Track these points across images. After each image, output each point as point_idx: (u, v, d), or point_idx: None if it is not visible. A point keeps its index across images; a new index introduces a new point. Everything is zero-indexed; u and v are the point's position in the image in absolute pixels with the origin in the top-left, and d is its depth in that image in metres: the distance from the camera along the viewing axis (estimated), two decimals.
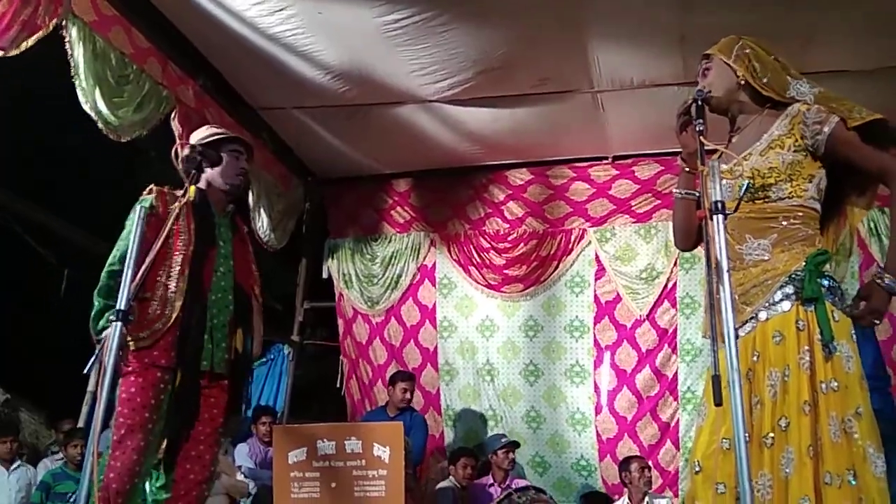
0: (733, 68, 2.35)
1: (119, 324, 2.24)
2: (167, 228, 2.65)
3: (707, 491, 2.08)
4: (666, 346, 5.86)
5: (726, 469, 2.03)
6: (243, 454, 5.63)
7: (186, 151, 3.14)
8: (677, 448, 5.63)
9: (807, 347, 2.04)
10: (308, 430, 4.66)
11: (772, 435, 2.01)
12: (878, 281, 2.08)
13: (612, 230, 6.17)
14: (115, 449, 2.71)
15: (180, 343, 2.82)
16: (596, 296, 6.11)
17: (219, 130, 3.27)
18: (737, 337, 2.08)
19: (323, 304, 6.84)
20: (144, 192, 3.04)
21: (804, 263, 2.12)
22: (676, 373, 5.78)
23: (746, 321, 2.16)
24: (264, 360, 6.84)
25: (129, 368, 2.76)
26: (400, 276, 6.52)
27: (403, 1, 4.28)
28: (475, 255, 6.39)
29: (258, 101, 5.54)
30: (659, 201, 6.08)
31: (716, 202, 1.87)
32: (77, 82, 4.14)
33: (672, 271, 5.95)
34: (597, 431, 5.85)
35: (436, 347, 6.34)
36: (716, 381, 1.69)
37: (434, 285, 6.47)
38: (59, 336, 2.97)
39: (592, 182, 6.29)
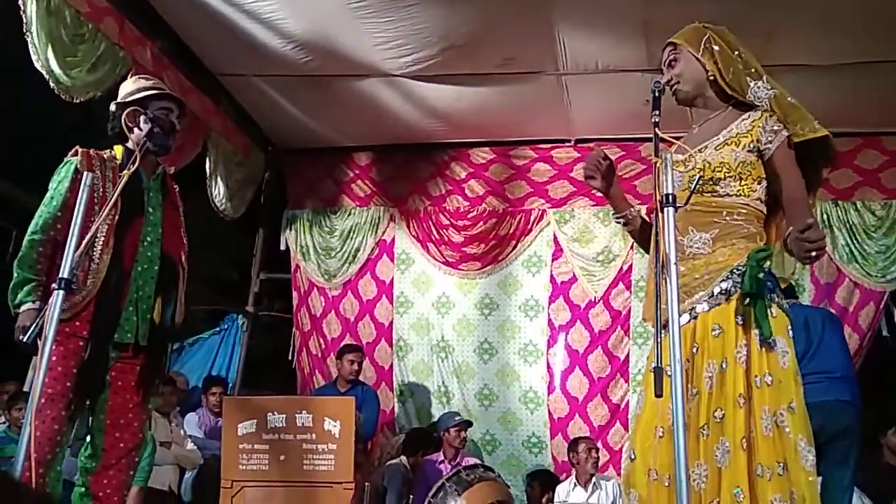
0: (702, 62, 2.36)
1: (62, 292, 2.18)
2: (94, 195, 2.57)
3: (642, 478, 2.13)
4: (619, 328, 5.94)
5: (662, 458, 2.07)
6: (193, 424, 5.58)
7: (112, 108, 3.03)
8: (626, 429, 5.70)
9: (744, 342, 2.08)
10: (259, 403, 4.64)
11: (707, 426, 2.05)
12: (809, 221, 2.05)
13: (572, 212, 6.21)
14: (35, 418, 2.66)
15: (94, 314, 2.75)
16: (552, 276, 6.16)
17: (146, 85, 3.10)
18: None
19: (280, 276, 6.77)
20: (69, 154, 2.93)
21: (746, 259, 2.15)
22: (628, 355, 5.86)
23: (686, 311, 2.18)
24: (217, 329, 6.76)
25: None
26: (358, 249, 6.49)
27: None
28: (434, 231, 6.38)
29: (218, 67, 5.43)
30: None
31: (667, 195, 1.89)
32: (29, 39, 4.01)
33: (628, 254, 6.01)
34: (549, 410, 5.92)
35: (391, 323, 6.34)
36: (658, 372, 1.71)
37: (392, 261, 6.45)
38: (4, 298, 2.87)
39: (554, 164, 6.31)
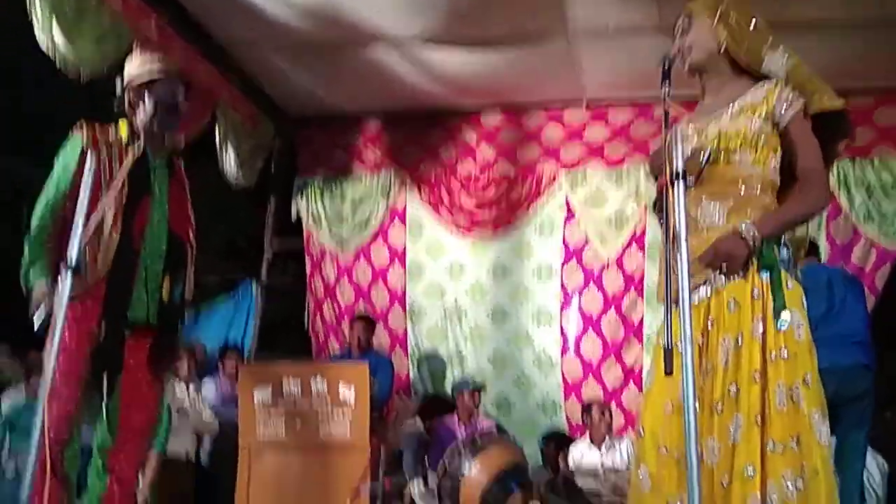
0: (715, 32, 2.30)
1: (70, 276, 2.20)
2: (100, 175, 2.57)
3: (652, 453, 2.13)
4: (632, 290, 5.92)
5: (672, 433, 2.07)
6: (209, 391, 5.66)
7: (117, 85, 3.00)
8: (640, 390, 5.73)
9: (760, 316, 2.06)
10: (274, 369, 4.70)
11: (722, 402, 2.04)
12: (738, 228, 2.08)
13: (584, 174, 6.15)
14: (50, 399, 2.69)
15: (106, 295, 2.77)
16: (564, 239, 6.13)
17: (151, 67, 3.03)
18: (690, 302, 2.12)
19: (292, 244, 6.78)
20: (74, 129, 2.90)
21: None
22: (642, 318, 5.85)
23: (700, 285, 2.16)
24: (232, 295, 6.81)
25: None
26: (370, 216, 6.47)
27: None
28: (446, 197, 6.35)
29: (225, 36, 5.36)
30: (632, 146, 6.06)
31: (677, 170, 1.87)
32: (33, 14, 3.99)
33: (641, 217, 5.96)
34: (562, 373, 5.94)
35: (404, 288, 6.35)
36: (667, 352, 1.70)
37: (404, 227, 6.44)
38: (19, 269, 2.90)
39: (565, 126, 6.24)
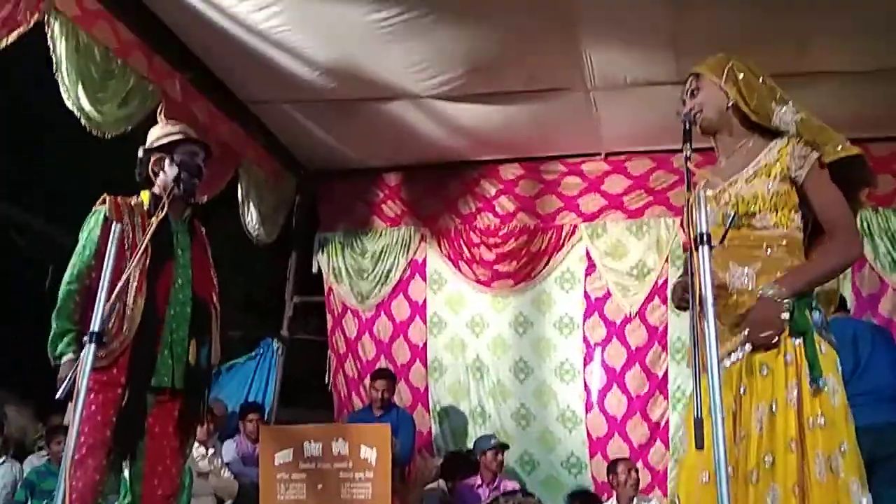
0: (724, 90, 2.30)
1: (93, 345, 2.19)
2: (124, 243, 2.59)
3: None
4: (656, 343, 5.84)
5: (706, 503, 2.00)
6: (230, 451, 5.60)
7: (139, 154, 3.05)
8: (667, 447, 5.61)
9: (794, 381, 2.02)
10: (295, 431, 4.67)
11: (757, 471, 1.98)
12: (770, 294, 2.06)
13: (604, 226, 6.13)
14: (75, 469, 2.64)
15: (131, 361, 2.76)
16: (586, 292, 6.08)
17: (172, 130, 3.13)
18: (721, 368, 2.07)
19: (313, 299, 6.79)
20: (98, 203, 2.96)
21: None
22: (667, 371, 5.75)
23: (733, 351, 2.12)
24: (253, 355, 6.80)
25: (89, 387, 2.69)
26: (390, 270, 6.47)
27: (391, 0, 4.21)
28: (466, 250, 6.34)
29: (247, 95, 5.45)
30: (651, 198, 6.05)
31: (701, 233, 1.83)
32: (59, 78, 4.06)
33: (663, 268, 5.91)
34: (587, 429, 5.83)
35: (425, 343, 6.31)
36: (698, 423, 1.65)
37: (424, 280, 6.42)
38: (45, 330, 2.90)
39: (584, 177, 6.24)
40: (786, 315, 2.04)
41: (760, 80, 2.30)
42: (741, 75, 2.29)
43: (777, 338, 2.05)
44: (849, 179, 2.23)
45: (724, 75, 2.30)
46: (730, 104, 2.30)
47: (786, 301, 2.04)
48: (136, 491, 2.82)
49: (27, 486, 5.14)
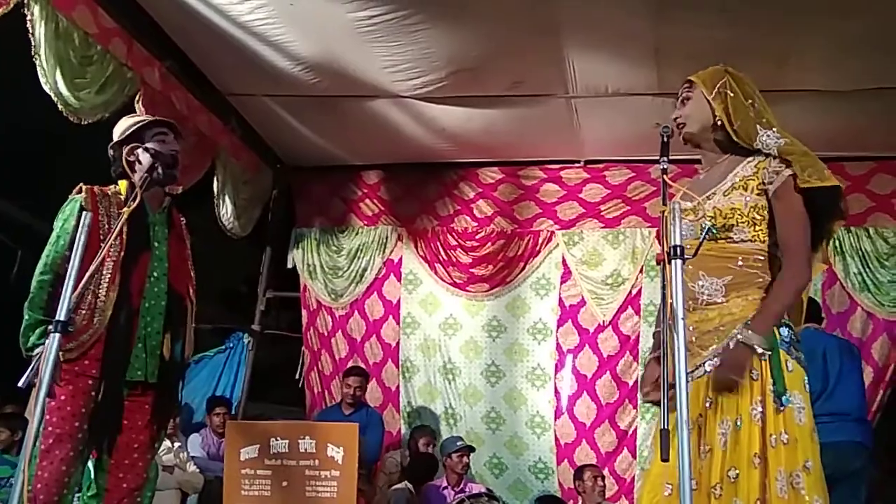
0: (712, 106, 2.32)
1: (58, 335, 2.14)
2: (98, 232, 2.53)
3: None
4: (627, 353, 5.87)
5: None
6: (196, 445, 5.55)
7: (111, 151, 2.99)
8: (634, 456, 5.64)
9: (759, 398, 2.03)
10: (262, 428, 4.61)
11: (720, 485, 1.99)
12: (738, 336, 2.07)
13: (581, 234, 6.16)
14: (42, 459, 2.60)
15: (105, 354, 2.71)
16: (560, 299, 6.10)
17: (137, 119, 3.06)
18: (689, 381, 2.08)
19: (286, 294, 6.75)
20: (74, 192, 2.89)
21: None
22: (637, 381, 5.77)
23: (700, 365, 2.13)
24: (223, 348, 6.73)
25: (59, 377, 2.61)
26: (365, 269, 6.45)
27: None
28: (442, 252, 6.34)
29: (227, 86, 5.41)
30: (628, 207, 6.08)
31: (674, 246, 1.84)
32: (37, 62, 3.99)
33: (637, 278, 5.95)
34: (555, 435, 5.85)
35: (398, 343, 6.30)
36: (664, 435, 1.66)
37: (399, 281, 6.41)
38: (11, 317, 2.84)
39: (563, 185, 6.26)
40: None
41: (749, 103, 2.31)
42: (731, 95, 2.30)
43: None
44: (823, 207, 2.24)
45: (715, 91, 2.31)
46: (716, 122, 2.31)
47: (764, 352, 2.06)
48: (101, 483, 2.76)
49: None
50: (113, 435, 2.74)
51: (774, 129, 2.28)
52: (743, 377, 2.05)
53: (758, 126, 2.28)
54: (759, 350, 2.05)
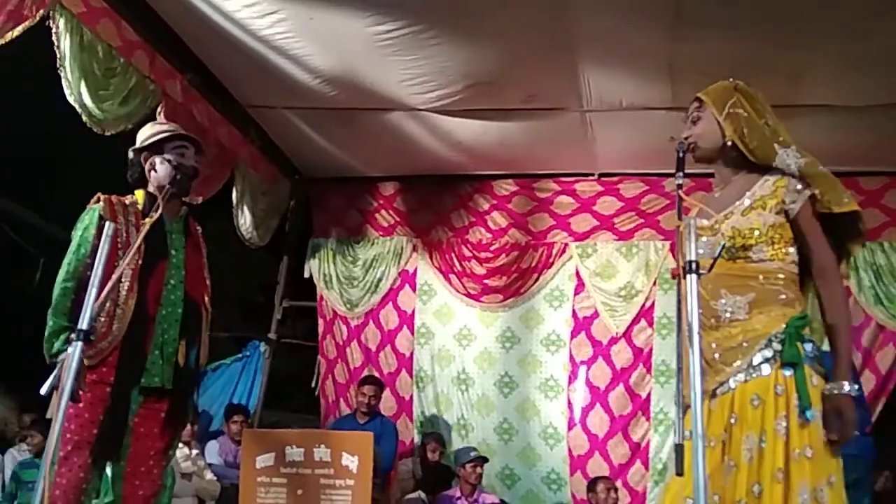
0: (722, 127, 2.31)
1: (80, 343, 2.19)
2: (117, 241, 2.58)
3: None
4: (641, 365, 5.88)
5: None
6: (213, 452, 5.61)
7: (130, 155, 3.05)
8: (647, 468, 5.65)
9: (784, 413, 2.04)
10: (277, 436, 4.67)
11: (745, 501, 2.00)
12: (837, 392, 2.07)
13: (594, 246, 6.18)
14: (61, 465, 2.64)
15: (119, 361, 2.75)
16: (574, 311, 6.12)
17: (162, 129, 3.12)
18: (714, 396, 2.11)
19: (302, 304, 6.81)
20: (92, 202, 2.94)
21: (784, 326, 2.12)
22: (650, 393, 5.80)
23: (724, 382, 2.16)
24: (239, 356, 6.81)
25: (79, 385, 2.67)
26: (380, 279, 6.50)
27: (394, 13, 4.26)
28: (456, 263, 6.38)
29: (247, 98, 5.49)
30: (642, 220, 6.10)
31: (690, 261, 1.86)
32: (62, 74, 4.07)
33: (651, 291, 5.97)
34: (568, 447, 5.86)
35: (412, 353, 6.34)
36: (679, 450, 1.68)
37: (414, 291, 6.46)
38: (35, 324, 2.90)
39: (577, 197, 6.29)
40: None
41: (763, 122, 2.30)
42: (743, 115, 2.29)
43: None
44: (841, 229, 2.26)
45: (726, 111, 2.30)
46: (727, 142, 2.31)
47: (858, 390, 2.10)
48: (118, 491, 2.80)
49: (14, 479, 5.17)
50: (119, 440, 2.77)
51: (793, 147, 2.27)
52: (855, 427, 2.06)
53: (776, 145, 2.27)
54: (848, 389, 2.07)
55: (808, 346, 2.14)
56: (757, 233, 2.20)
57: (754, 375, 2.12)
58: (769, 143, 2.28)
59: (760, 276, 2.19)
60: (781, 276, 2.20)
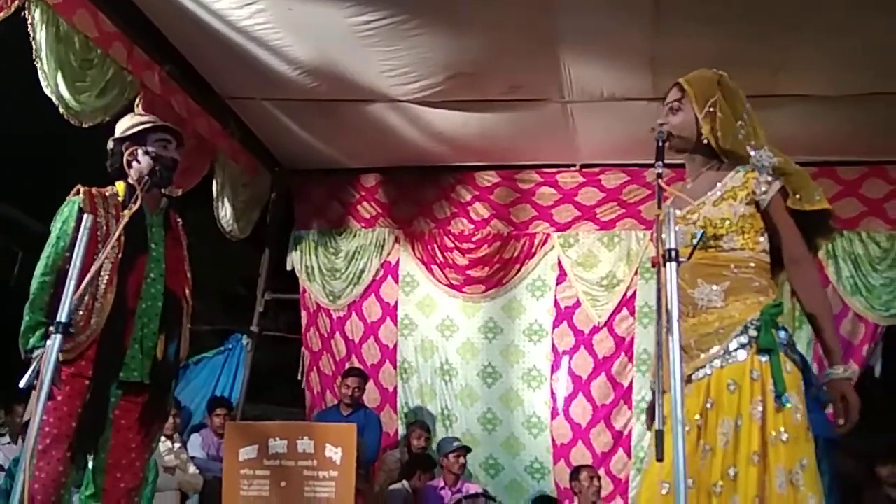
0: (699, 124, 2.34)
1: (59, 336, 2.17)
2: (97, 234, 2.56)
3: None
4: (623, 354, 5.92)
5: None
6: (196, 445, 5.58)
7: (111, 145, 3.03)
8: (629, 456, 5.70)
9: (760, 398, 2.08)
10: (260, 428, 4.66)
11: (721, 483, 2.04)
12: (836, 377, 2.14)
13: (576, 236, 6.21)
14: (39, 459, 2.62)
15: (97, 355, 2.73)
16: (556, 300, 6.15)
17: (143, 119, 3.10)
18: (689, 382, 2.14)
19: (284, 296, 6.79)
20: (71, 194, 2.92)
21: (759, 314, 2.16)
22: (632, 382, 5.84)
23: (700, 367, 2.19)
24: (221, 349, 6.77)
25: (57, 378, 2.64)
26: (363, 271, 6.49)
27: (374, 3, 4.24)
28: (439, 254, 6.39)
29: (226, 90, 5.45)
30: (624, 210, 6.13)
31: (669, 250, 1.88)
32: (38, 66, 4.02)
33: (632, 280, 6.00)
34: (552, 436, 5.90)
35: (395, 345, 6.34)
36: (659, 436, 1.70)
37: (397, 282, 6.46)
38: (13, 318, 2.87)
39: (559, 188, 6.31)
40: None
41: (739, 125, 2.33)
42: (720, 117, 2.32)
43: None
44: (811, 225, 2.30)
45: (705, 110, 2.33)
46: (703, 140, 2.34)
47: (851, 375, 2.16)
48: (99, 483, 2.79)
49: (9, 475, 5.12)
50: (98, 433, 2.76)
51: (766, 148, 2.31)
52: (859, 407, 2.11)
53: (748, 147, 2.31)
54: (844, 372, 2.14)
55: (782, 334, 2.18)
56: (728, 222, 2.24)
57: (730, 361, 2.16)
58: (742, 146, 2.33)
59: (732, 265, 2.24)
60: (752, 264, 2.24)
